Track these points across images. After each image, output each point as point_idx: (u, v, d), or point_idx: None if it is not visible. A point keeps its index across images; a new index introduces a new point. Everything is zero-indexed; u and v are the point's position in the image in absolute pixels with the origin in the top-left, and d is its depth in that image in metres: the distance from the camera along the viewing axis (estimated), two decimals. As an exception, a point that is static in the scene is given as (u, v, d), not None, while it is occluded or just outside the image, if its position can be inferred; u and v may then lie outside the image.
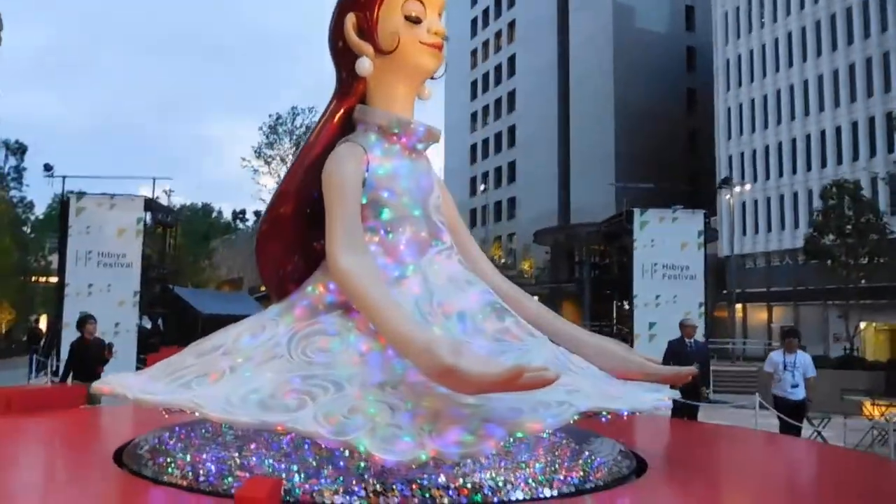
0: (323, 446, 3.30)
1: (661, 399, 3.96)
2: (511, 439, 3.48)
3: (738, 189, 35.97)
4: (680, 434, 6.74)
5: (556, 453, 3.96)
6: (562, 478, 3.62)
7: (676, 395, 4.49)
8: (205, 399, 3.45)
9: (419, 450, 3.00)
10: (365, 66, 4.22)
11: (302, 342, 3.81)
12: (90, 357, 8.82)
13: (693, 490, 4.10)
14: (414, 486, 3.28)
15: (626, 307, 17.00)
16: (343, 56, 4.36)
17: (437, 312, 3.90)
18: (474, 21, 67.39)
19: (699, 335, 15.39)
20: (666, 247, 16.20)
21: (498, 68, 63.01)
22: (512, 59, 60.84)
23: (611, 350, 4.36)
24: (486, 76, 65.07)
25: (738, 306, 35.61)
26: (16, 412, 6.79)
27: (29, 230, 39.76)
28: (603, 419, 3.84)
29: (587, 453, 4.04)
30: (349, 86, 4.42)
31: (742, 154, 41.50)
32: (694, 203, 20.74)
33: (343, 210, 3.95)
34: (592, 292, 30.55)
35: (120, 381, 4.12)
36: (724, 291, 32.50)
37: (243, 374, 3.67)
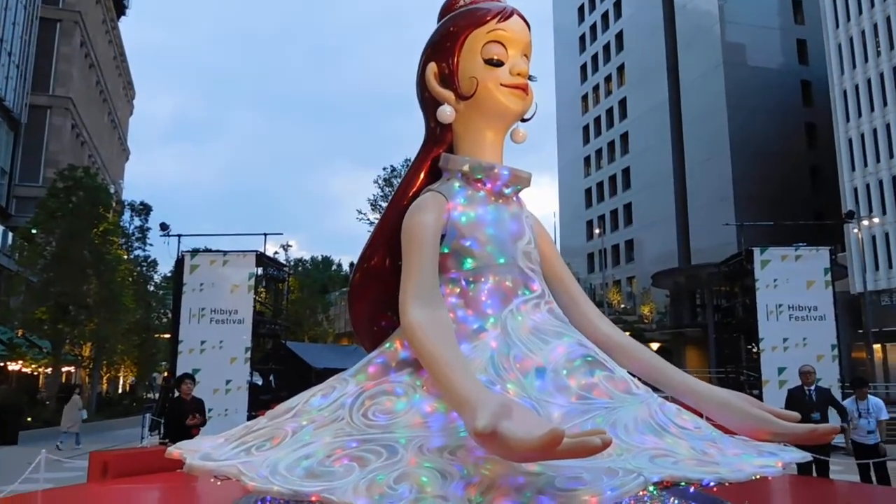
0: None
1: (770, 465, 3.35)
2: None
3: (866, 222, 33.61)
4: (811, 494, 6.24)
5: None
6: None
7: (805, 456, 3.85)
8: (251, 466, 3.31)
9: None
10: (446, 112, 4.15)
11: (366, 402, 3.64)
12: (186, 417, 8.70)
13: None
14: None
15: (755, 351, 16.18)
16: (429, 106, 4.30)
17: (514, 368, 3.62)
18: (584, 67, 67.64)
19: (834, 380, 14.71)
20: (790, 286, 15.39)
21: (609, 112, 62.65)
22: (623, 103, 60.37)
23: (733, 405, 3.78)
24: (597, 120, 64.81)
25: (877, 346, 32.88)
26: (112, 477, 6.69)
27: (152, 288, 41.04)
28: (691, 490, 3.40)
29: None
30: (437, 134, 4.34)
31: (868, 186, 38.62)
32: (820, 240, 19.59)
33: (418, 261, 3.79)
34: (717, 336, 29.21)
35: (191, 445, 4.03)
36: (861, 331, 30.19)
37: (302, 437, 3.53)
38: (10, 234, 32.70)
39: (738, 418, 3.72)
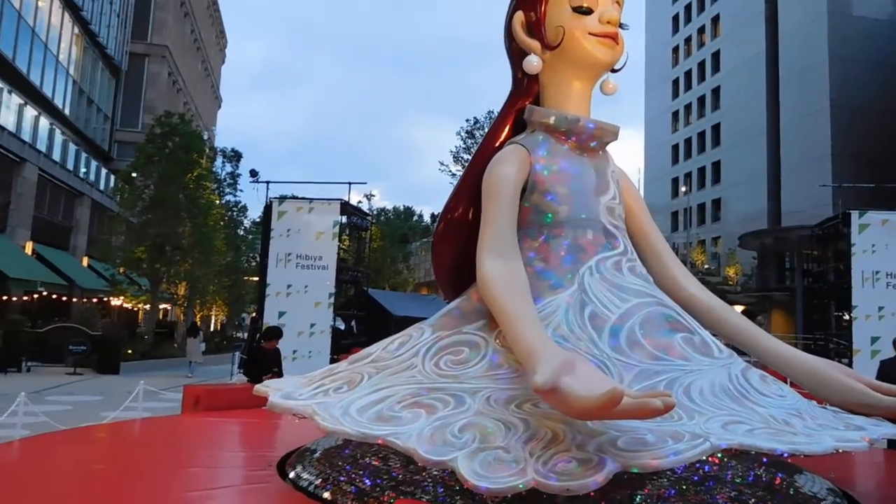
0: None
1: (854, 440, 3.10)
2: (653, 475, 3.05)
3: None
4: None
5: (753, 490, 3.52)
6: None
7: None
8: (326, 407, 3.39)
9: (518, 478, 2.67)
10: (533, 63, 4.06)
11: (440, 352, 3.69)
12: (265, 364, 8.93)
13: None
14: None
15: (846, 318, 15.57)
16: (516, 56, 4.23)
17: (588, 325, 3.55)
18: (675, 18, 64.62)
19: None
20: (890, 253, 14.56)
21: (701, 65, 59.83)
22: (716, 55, 57.48)
23: (825, 374, 3.57)
24: (688, 73, 62.09)
25: None
26: (203, 409, 7.04)
27: (242, 232, 42.40)
28: (764, 460, 3.32)
29: (791, 491, 3.62)
30: (523, 86, 4.27)
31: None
32: (925, 204, 18.45)
33: (496, 214, 3.77)
34: (806, 301, 28.11)
35: (276, 384, 4.18)
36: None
37: (377, 382, 3.59)
38: (113, 177, 34.48)
39: (830, 388, 3.53)
